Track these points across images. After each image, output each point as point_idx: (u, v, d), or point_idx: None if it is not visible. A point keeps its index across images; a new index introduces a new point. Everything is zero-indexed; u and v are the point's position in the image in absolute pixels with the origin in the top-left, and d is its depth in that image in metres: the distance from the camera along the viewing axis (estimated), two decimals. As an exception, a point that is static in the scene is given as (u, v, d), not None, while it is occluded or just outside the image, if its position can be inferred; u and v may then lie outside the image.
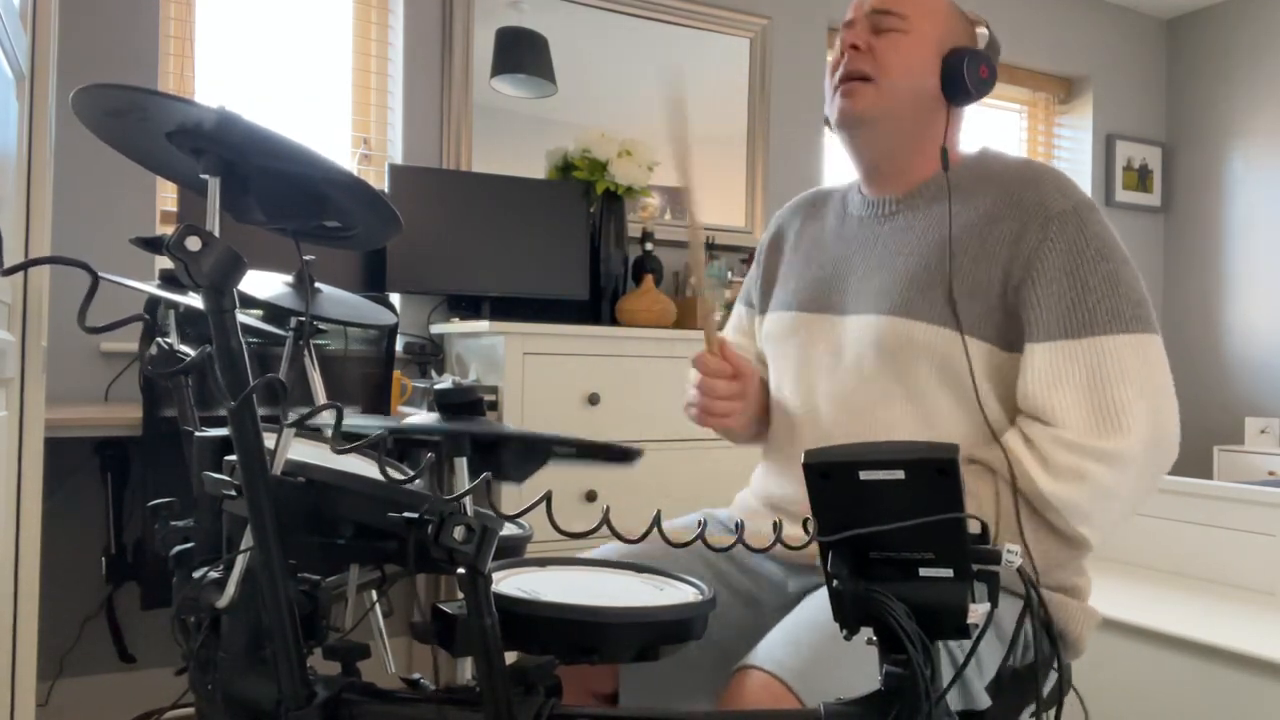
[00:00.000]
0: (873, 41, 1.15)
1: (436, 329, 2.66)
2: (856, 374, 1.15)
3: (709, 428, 1.24)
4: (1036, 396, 1.04)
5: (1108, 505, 1.02)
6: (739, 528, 0.83)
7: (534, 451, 0.90)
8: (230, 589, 0.81)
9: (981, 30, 1.20)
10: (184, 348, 1.08)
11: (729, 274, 2.97)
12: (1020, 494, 1.04)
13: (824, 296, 1.22)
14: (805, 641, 0.96)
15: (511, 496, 2.14)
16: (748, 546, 0.81)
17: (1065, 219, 1.06)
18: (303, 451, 0.97)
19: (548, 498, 0.75)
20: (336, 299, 1.18)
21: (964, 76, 1.13)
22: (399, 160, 2.76)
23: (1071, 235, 1.06)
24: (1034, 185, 1.10)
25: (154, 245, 0.80)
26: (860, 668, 0.91)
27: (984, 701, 1.01)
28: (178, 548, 0.92)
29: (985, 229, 1.10)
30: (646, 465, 2.33)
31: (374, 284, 2.53)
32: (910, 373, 1.10)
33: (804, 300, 1.24)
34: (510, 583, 0.88)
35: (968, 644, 0.74)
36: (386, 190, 2.51)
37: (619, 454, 0.89)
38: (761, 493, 1.27)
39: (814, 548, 0.75)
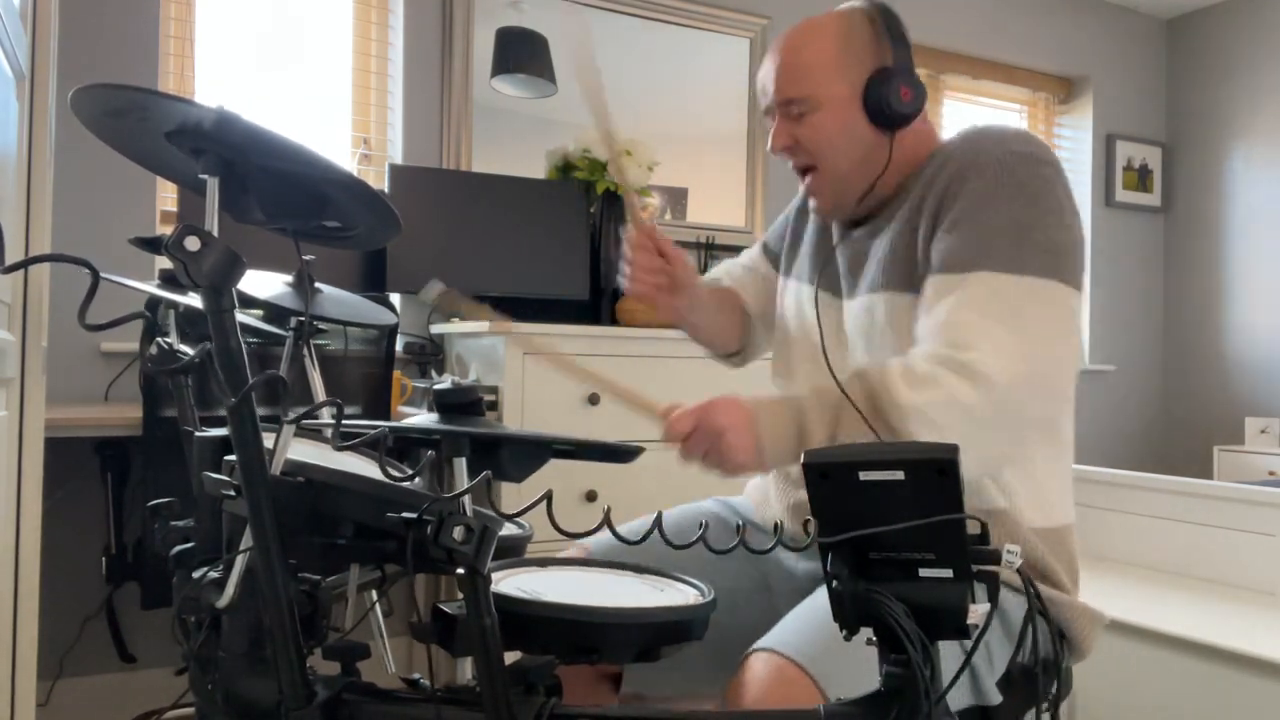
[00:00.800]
0: (795, 132, 1.16)
1: (436, 329, 2.66)
2: (857, 354, 1.17)
3: (641, 301, 1.30)
4: (920, 324, 1.05)
5: (960, 419, 0.97)
6: (740, 529, 0.83)
7: (533, 451, 0.90)
8: (230, 589, 0.81)
9: (868, 19, 1.15)
10: (184, 347, 1.09)
11: (729, 274, 2.97)
12: (881, 411, 1.00)
13: (832, 278, 1.24)
14: (819, 626, 0.96)
15: (511, 496, 2.14)
16: (749, 549, 0.81)
17: (986, 166, 1.06)
18: (302, 451, 0.97)
19: (548, 497, 0.75)
20: (336, 299, 1.18)
21: (891, 109, 1.11)
22: (399, 160, 2.76)
23: (989, 178, 1.05)
24: (974, 140, 1.10)
25: (153, 245, 0.80)
26: (872, 653, 0.91)
27: (995, 698, 1.02)
28: (178, 548, 0.92)
29: (927, 188, 1.11)
30: (646, 465, 2.33)
31: (374, 284, 2.53)
32: (892, 345, 1.11)
33: (816, 278, 1.26)
34: (510, 583, 0.88)
35: (967, 643, 0.74)
36: (386, 190, 2.51)
37: (617, 454, 0.89)
38: (763, 485, 1.28)
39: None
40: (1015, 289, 1.00)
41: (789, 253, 1.36)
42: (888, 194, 1.18)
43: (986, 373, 0.97)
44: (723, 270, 1.47)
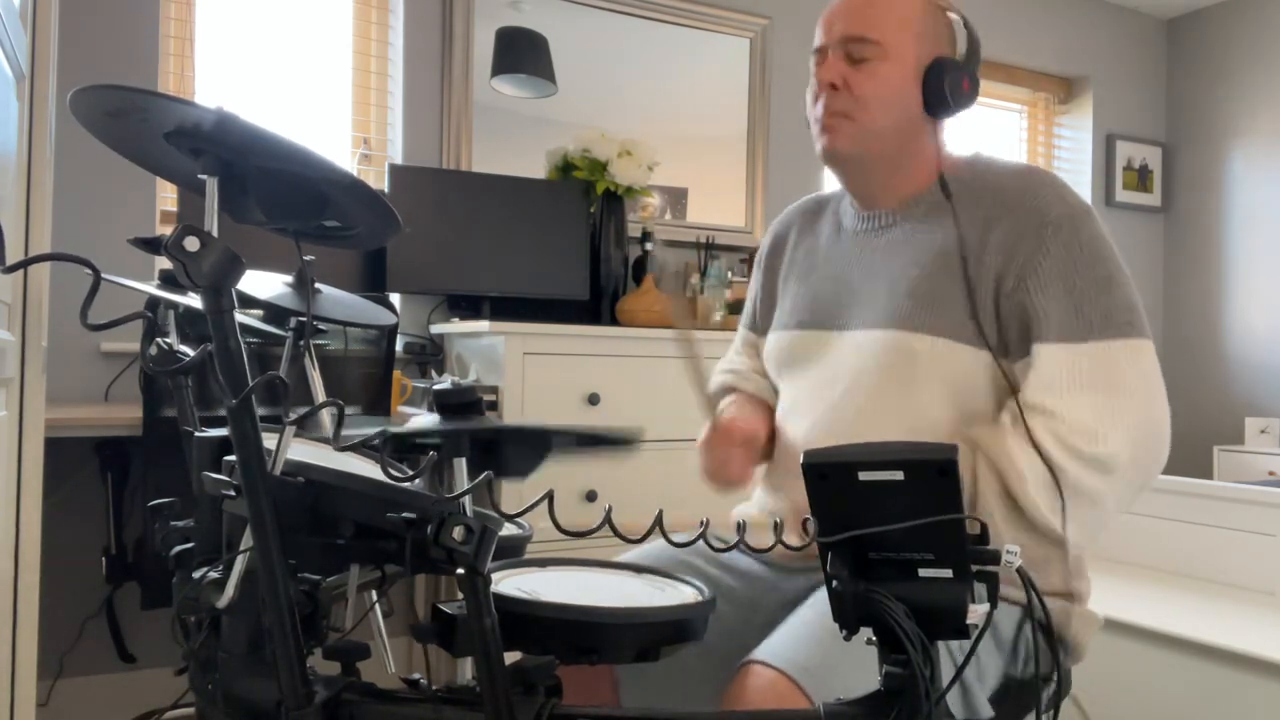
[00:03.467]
0: (848, 75, 1.11)
1: (436, 329, 2.66)
2: (857, 389, 1.13)
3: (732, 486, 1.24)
4: (1032, 395, 1.04)
5: (1083, 509, 1.02)
6: (740, 528, 0.83)
7: (534, 445, 0.90)
8: (230, 589, 0.81)
9: (954, 17, 1.15)
10: (184, 348, 1.08)
11: (729, 274, 2.97)
12: (999, 472, 1.02)
13: (823, 312, 1.21)
14: (811, 638, 0.96)
15: (512, 496, 2.14)
16: (749, 548, 0.81)
17: (1060, 225, 1.05)
18: (303, 451, 0.97)
19: (549, 497, 0.75)
20: (336, 299, 1.18)
21: (947, 94, 1.10)
22: (399, 160, 2.76)
23: (1066, 240, 1.05)
24: (1031, 192, 1.09)
25: (153, 246, 0.80)
26: (866, 664, 0.91)
27: (986, 712, 1.01)
28: (178, 548, 0.92)
29: (982, 237, 1.09)
30: (646, 465, 2.33)
31: (374, 284, 2.53)
32: (911, 385, 1.09)
33: (803, 318, 1.23)
34: (510, 583, 0.88)
35: (965, 648, 0.74)
36: (386, 190, 2.51)
37: (617, 441, 0.89)
38: (764, 506, 1.27)
39: (814, 547, 0.75)
40: (1124, 356, 1.03)
41: (764, 308, 1.35)
42: (896, 201, 1.17)
43: (1114, 462, 1.00)
44: (733, 378, 1.39)
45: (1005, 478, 1.02)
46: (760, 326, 1.36)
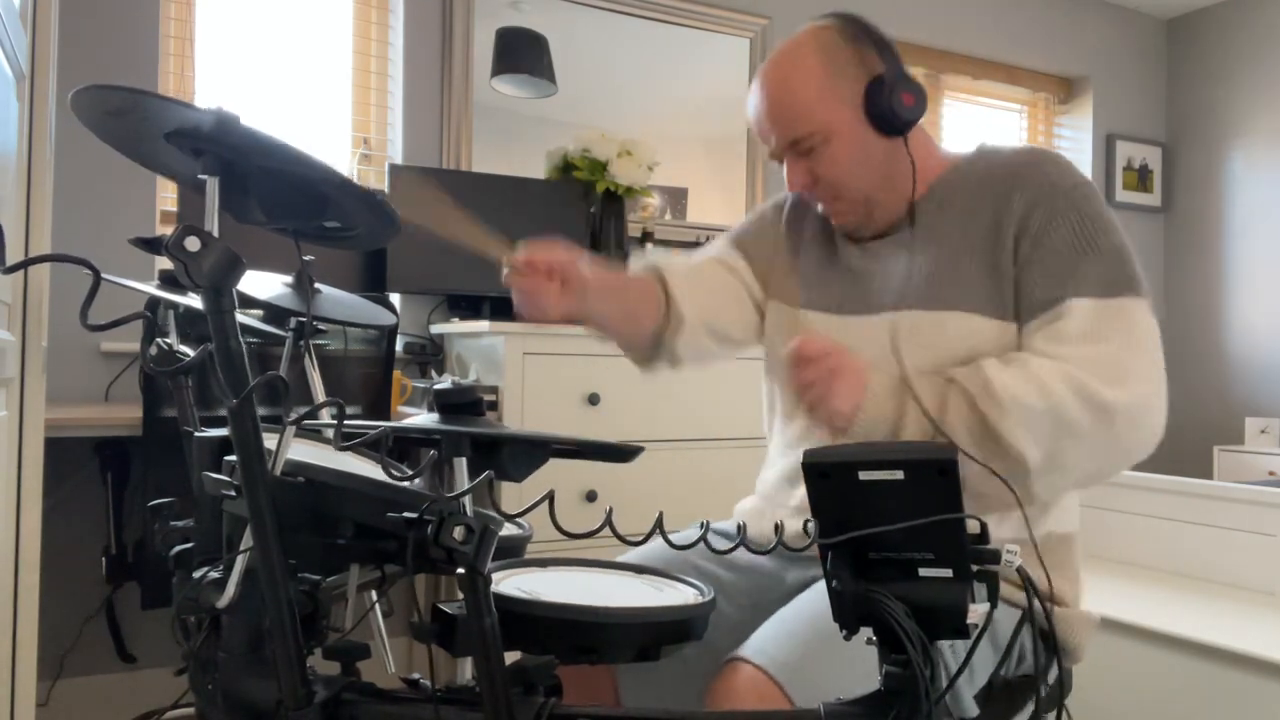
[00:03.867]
0: (811, 169, 1.14)
1: (436, 329, 2.66)
2: (888, 368, 1.11)
3: (525, 312, 1.16)
4: (1044, 347, 1.03)
5: (1064, 444, 0.98)
6: (740, 530, 0.83)
7: (534, 451, 0.90)
8: (230, 589, 0.81)
9: (844, 42, 1.12)
10: (184, 348, 1.08)
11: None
12: (966, 390, 1.01)
13: (847, 297, 1.20)
14: (797, 635, 0.96)
15: (512, 496, 2.14)
16: (749, 549, 0.81)
17: (1071, 194, 1.07)
18: (303, 451, 0.97)
19: (549, 497, 0.75)
20: (336, 299, 1.18)
21: (896, 118, 1.10)
22: (399, 160, 2.76)
23: (1078, 208, 1.07)
24: (1037, 166, 1.11)
25: (153, 246, 0.80)
26: (852, 664, 0.91)
27: (972, 710, 1.01)
28: (178, 548, 0.92)
29: (995, 211, 1.10)
30: (647, 466, 2.33)
31: (374, 284, 2.53)
32: (941, 363, 1.08)
33: (829, 302, 1.21)
34: (510, 583, 0.88)
35: (961, 649, 0.74)
36: (386, 190, 2.51)
37: (617, 453, 0.89)
38: (779, 475, 1.25)
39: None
40: (1142, 314, 1.03)
41: (771, 270, 1.30)
42: (908, 204, 1.17)
43: (1114, 408, 0.98)
44: (663, 260, 1.32)
45: (976, 400, 0.99)
46: (776, 290, 1.29)
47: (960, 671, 0.76)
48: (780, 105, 1.12)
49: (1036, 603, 0.97)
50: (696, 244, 3.07)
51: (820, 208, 1.20)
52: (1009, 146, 1.18)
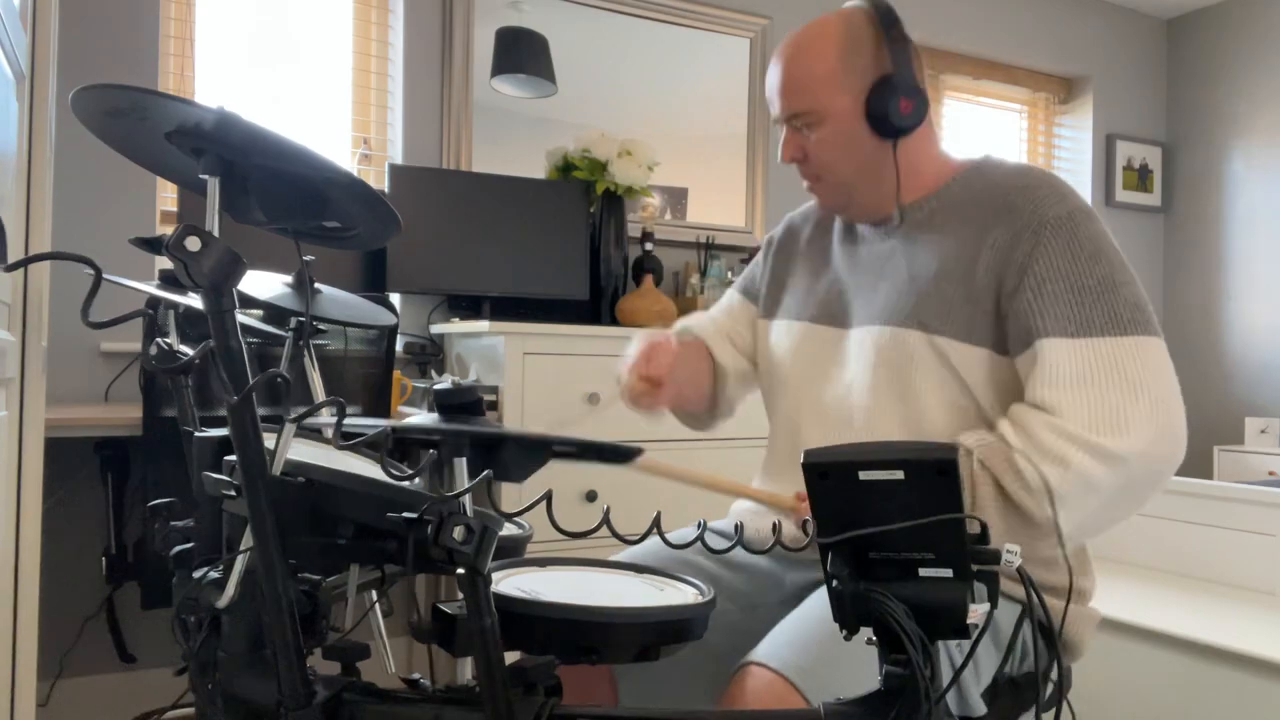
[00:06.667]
0: (804, 145, 1.17)
1: (436, 329, 2.66)
2: (857, 384, 1.15)
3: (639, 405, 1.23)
4: (1035, 393, 1.04)
5: (1086, 498, 1.00)
6: (738, 530, 0.83)
7: (533, 451, 0.90)
8: (230, 589, 0.81)
9: (867, 33, 1.14)
10: (184, 347, 1.08)
11: (729, 274, 2.97)
12: (993, 473, 1.02)
13: (829, 309, 1.23)
14: (810, 638, 0.96)
15: (511, 496, 2.14)
16: (747, 548, 0.81)
17: (1059, 224, 1.06)
18: (303, 451, 0.97)
19: (548, 497, 0.75)
20: (336, 299, 1.18)
21: (892, 123, 1.12)
22: (399, 160, 2.76)
23: (1066, 239, 1.05)
24: (1029, 192, 1.10)
25: (154, 245, 0.80)
26: (864, 665, 0.91)
27: (979, 709, 1.01)
28: (178, 548, 0.92)
29: (980, 237, 1.10)
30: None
31: (374, 284, 2.53)
32: (910, 382, 1.10)
33: (811, 313, 1.25)
34: (510, 583, 0.88)
35: (964, 647, 0.74)
36: (386, 190, 2.51)
37: (618, 454, 0.89)
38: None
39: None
40: (1127, 354, 1.02)
41: (771, 291, 1.35)
42: (899, 210, 1.18)
43: (1124, 455, 0.99)
44: (692, 321, 1.43)
45: (1000, 478, 1.01)
46: (764, 308, 1.36)
47: (959, 672, 0.76)
48: (789, 78, 1.16)
49: (1034, 595, 0.97)
50: (697, 244, 3.07)
51: (805, 185, 1.23)
52: (1009, 165, 1.17)
